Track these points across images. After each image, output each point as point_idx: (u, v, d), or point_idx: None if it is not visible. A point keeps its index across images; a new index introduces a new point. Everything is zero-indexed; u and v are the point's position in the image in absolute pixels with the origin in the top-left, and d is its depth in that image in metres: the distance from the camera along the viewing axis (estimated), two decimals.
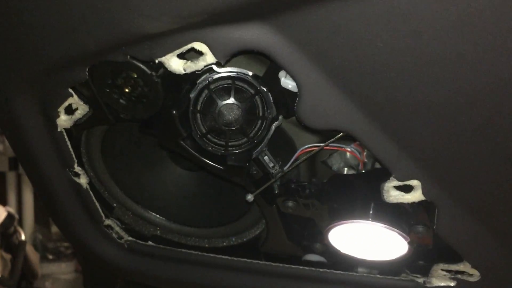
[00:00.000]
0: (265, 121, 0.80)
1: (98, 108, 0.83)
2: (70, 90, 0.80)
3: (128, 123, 0.89)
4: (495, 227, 0.77)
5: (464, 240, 0.79)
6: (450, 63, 0.62)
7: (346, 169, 0.89)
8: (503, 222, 0.75)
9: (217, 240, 1.06)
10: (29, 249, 2.40)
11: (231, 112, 0.79)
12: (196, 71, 0.73)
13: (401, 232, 0.79)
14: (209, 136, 0.82)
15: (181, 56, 0.71)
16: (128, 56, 0.72)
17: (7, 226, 2.25)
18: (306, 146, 0.84)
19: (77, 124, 0.86)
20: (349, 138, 0.76)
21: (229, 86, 0.78)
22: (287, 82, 0.73)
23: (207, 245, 1.07)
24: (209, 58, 0.69)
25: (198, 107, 0.80)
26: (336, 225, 0.84)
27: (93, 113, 0.84)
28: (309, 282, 0.97)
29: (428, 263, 0.89)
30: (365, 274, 0.95)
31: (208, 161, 0.83)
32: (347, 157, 0.89)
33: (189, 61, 0.72)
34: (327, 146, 0.80)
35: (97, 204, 1.00)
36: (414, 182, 0.74)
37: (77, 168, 0.93)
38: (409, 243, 0.81)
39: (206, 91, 0.79)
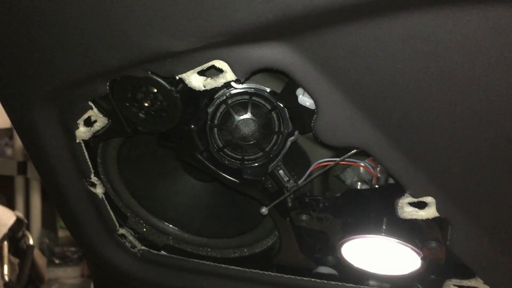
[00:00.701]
0: (281, 136, 0.81)
1: (117, 121, 0.84)
2: (90, 103, 0.81)
3: (145, 135, 0.90)
4: (507, 243, 0.77)
5: (477, 256, 0.79)
6: (465, 85, 0.63)
7: (359, 183, 0.90)
8: None
9: (229, 250, 1.07)
10: (36, 254, 2.41)
11: (247, 127, 0.80)
12: (215, 87, 0.74)
13: (414, 248, 0.80)
14: (225, 150, 0.83)
15: (201, 73, 0.72)
16: (149, 72, 0.73)
17: (15, 230, 2.26)
18: (321, 161, 0.85)
19: (95, 136, 0.88)
20: (363, 153, 0.77)
21: (246, 101, 0.79)
22: (305, 100, 0.74)
23: (219, 256, 1.08)
24: (229, 75, 0.70)
25: (216, 122, 0.81)
26: (349, 239, 0.85)
27: (111, 125, 0.85)
28: None
29: (440, 278, 0.90)
30: None
31: (224, 175, 0.85)
32: (361, 172, 0.90)
33: (209, 78, 0.73)
34: (341, 161, 0.81)
35: (111, 213, 1.01)
36: (428, 199, 0.75)
37: (94, 178, 0.95)
38: (422, 258, 0.82)
39: (223, 106, 0.80)
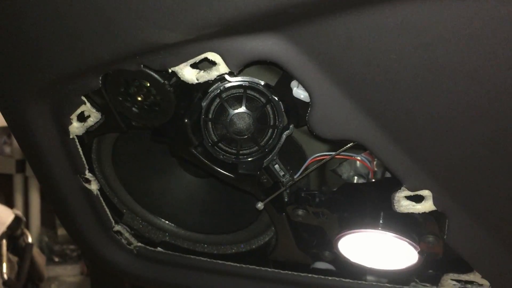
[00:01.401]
0: (276, 130, 0.80)
1: (110, 116, 0.84)
2: (83, 98, 0.80)
3: (139, 130, 0.89)
4: (505, 237, 0.77)
5: (475, 250, 0.79)
6: (462, 76, 0.62)
7: (356, 177, 0.89)
8: None
9: (226, 246, 1.06)
10: (36, 252, 2.41)
11: (242, 121, 0.79)
12: (208, 80, 0.74)
13: (411, 242, 0.79)
14: (220, 144, 0.82)
15: (194, 65, 0.71)
16: (142, 65, 0.72)
17: (14, 228, 2.26)
18: (317, 155, 0.84)
19: (89, 131, 0.87)
20: (359, 147, 0.76)
21: (241, 95, 0.78)
22: (299, 92, 0.73)
23: (216, 252, 1.07)
24: (222, 68, 0.69)
25: (210, 116, 0.80)
26: (345, 234, 0.84)
27: (105, 120, 0.85)
28: None
29: (438, 273, 0.89)
30: (374, 283, 0.95)
31: (219, 169, 0.84)
32: (357, 166, 0.89)
33: (202, 71, 0.72)
34: (337, 155, 0.81)
35: (107, 210, 1.00)
36: (425, 192, 0.74)
37: (88, 175, 0.94)
38: (419, 252, 0.81)
39: (217, 100, 0.79)
